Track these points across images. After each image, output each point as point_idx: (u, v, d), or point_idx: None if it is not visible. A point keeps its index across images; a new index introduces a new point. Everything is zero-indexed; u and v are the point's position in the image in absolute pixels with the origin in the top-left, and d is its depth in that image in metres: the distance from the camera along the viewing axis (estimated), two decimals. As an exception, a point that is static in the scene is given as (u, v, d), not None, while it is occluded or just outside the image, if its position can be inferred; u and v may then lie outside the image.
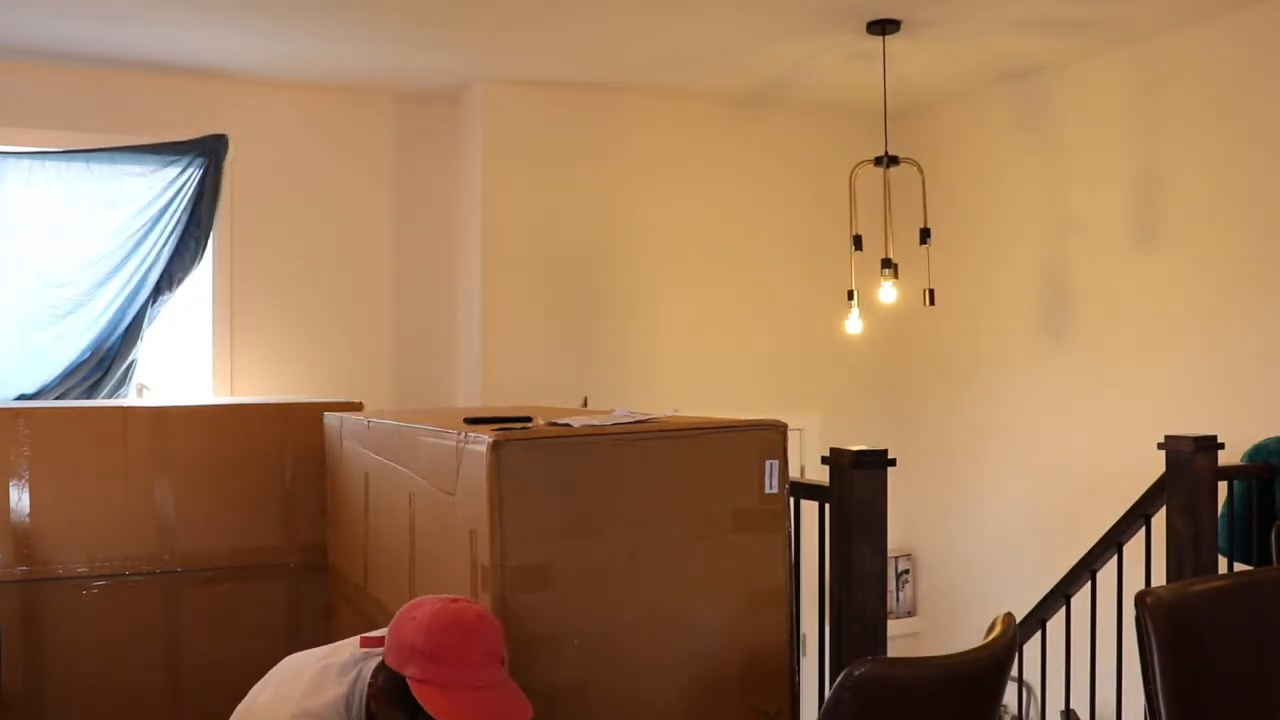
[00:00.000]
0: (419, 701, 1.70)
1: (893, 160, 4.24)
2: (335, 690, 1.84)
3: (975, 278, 5.07)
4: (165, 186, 4.52)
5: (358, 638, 1.98)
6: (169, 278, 4.52)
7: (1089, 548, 3.75)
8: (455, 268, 5.09)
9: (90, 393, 4.40)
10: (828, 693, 2.82)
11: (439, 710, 1.69)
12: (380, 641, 1.86)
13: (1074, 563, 3.82)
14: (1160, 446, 3.38)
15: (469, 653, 1.75)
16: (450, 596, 1.85)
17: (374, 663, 1.88)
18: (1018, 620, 4.02)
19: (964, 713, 1.84)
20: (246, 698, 1.97)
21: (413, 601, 1.84)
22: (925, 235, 4.26)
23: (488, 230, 4.82)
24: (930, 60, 4.49)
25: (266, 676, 2.01)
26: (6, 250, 4.36)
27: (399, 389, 5.02)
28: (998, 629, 1.91)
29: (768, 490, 2.38)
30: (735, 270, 5.23)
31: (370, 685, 1.84)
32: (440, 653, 1.72)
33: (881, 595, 2.77)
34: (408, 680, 1.71)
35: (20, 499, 3.30)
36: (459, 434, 2.26)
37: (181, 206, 4.53)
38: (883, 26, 4.00)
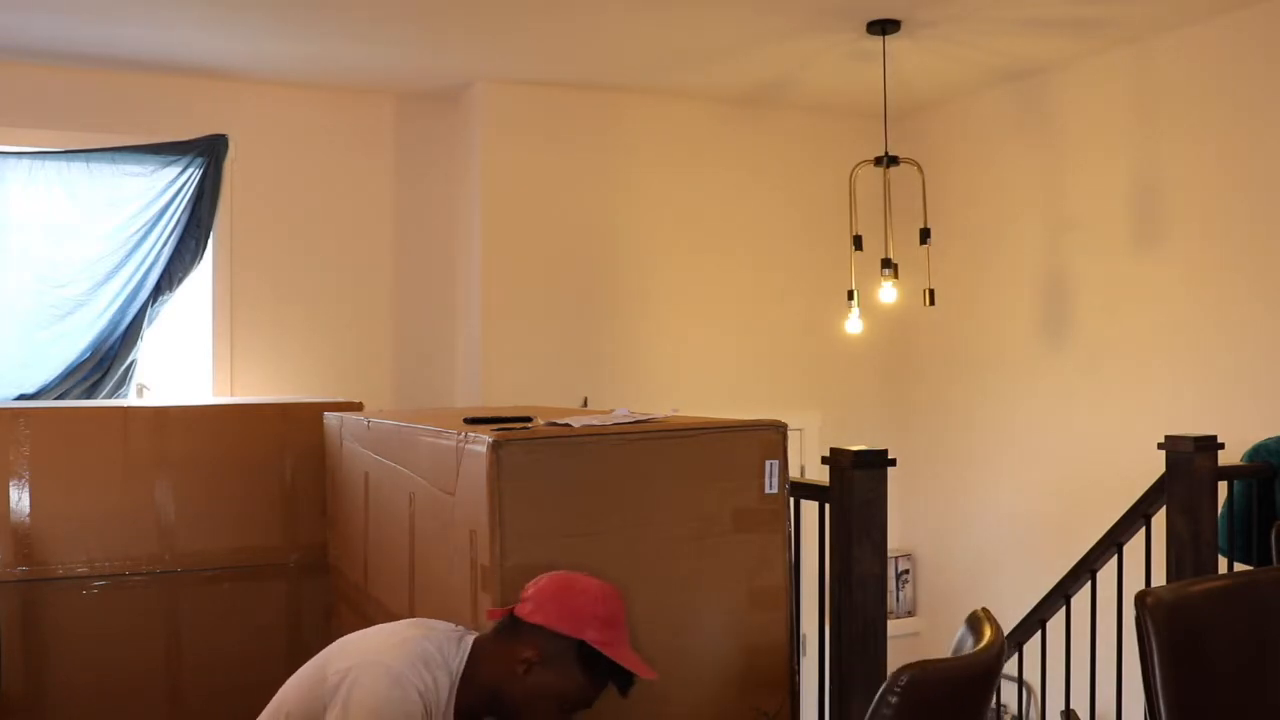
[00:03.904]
0: (610, 658, 1.90)
1: (893, 160, 4.24)
2: (444, 676, 1.92)
3: (975, 278, 5.07)
4: (165, 187, 4.52)
5: (416, 622, 2.06)
6: (169, 278, 4.52)
7: (1089, 548, 3.75)
8: (455, 267, 5.09)
9: (90, 393, 4.40)
10: (828, 693, 2.82)
11: (630, 661, 1.92)
12: (505, 612, 1.98)
13: (1074, 563, 3.82)
14: (1160, 446, 3.38)
15: (625, 619, 1.98)
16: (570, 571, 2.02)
17: (470, 641, 1.98)
18: (1018, 620, 4.05)
19: (976, 710, 1.84)
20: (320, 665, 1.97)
21: (556, 576, 1.99)
22: (925, 235, 4.26)
23: (488, 230, 4.82)
24: (930, 60, 4.49)
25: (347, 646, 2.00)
26: (6, 250, 4.36)
27: (399, 389, 5.02)
28: (989, 630, 1.90)
29: (768, 490, 2.38)
30: (735, 270, 5.23)
31: (523, 657, 1.91)
32: (615, 618, 1.95)
33: (881, 595, 2.77)
34: (589, 643, 1.90)
35: (20, 499, 3.30)
36: (459, 434, 2.26)
37: (181, 206, 4.53)
38: (883, 26, 4.00)
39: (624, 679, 1.95)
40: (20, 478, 3.31)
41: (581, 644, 1.90)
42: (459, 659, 1.95)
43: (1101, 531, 3.70)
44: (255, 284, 4.78)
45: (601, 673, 1.92)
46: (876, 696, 1.63)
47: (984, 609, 1.96)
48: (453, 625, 2.03)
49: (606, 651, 1.90)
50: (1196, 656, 2.06)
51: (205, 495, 3.49)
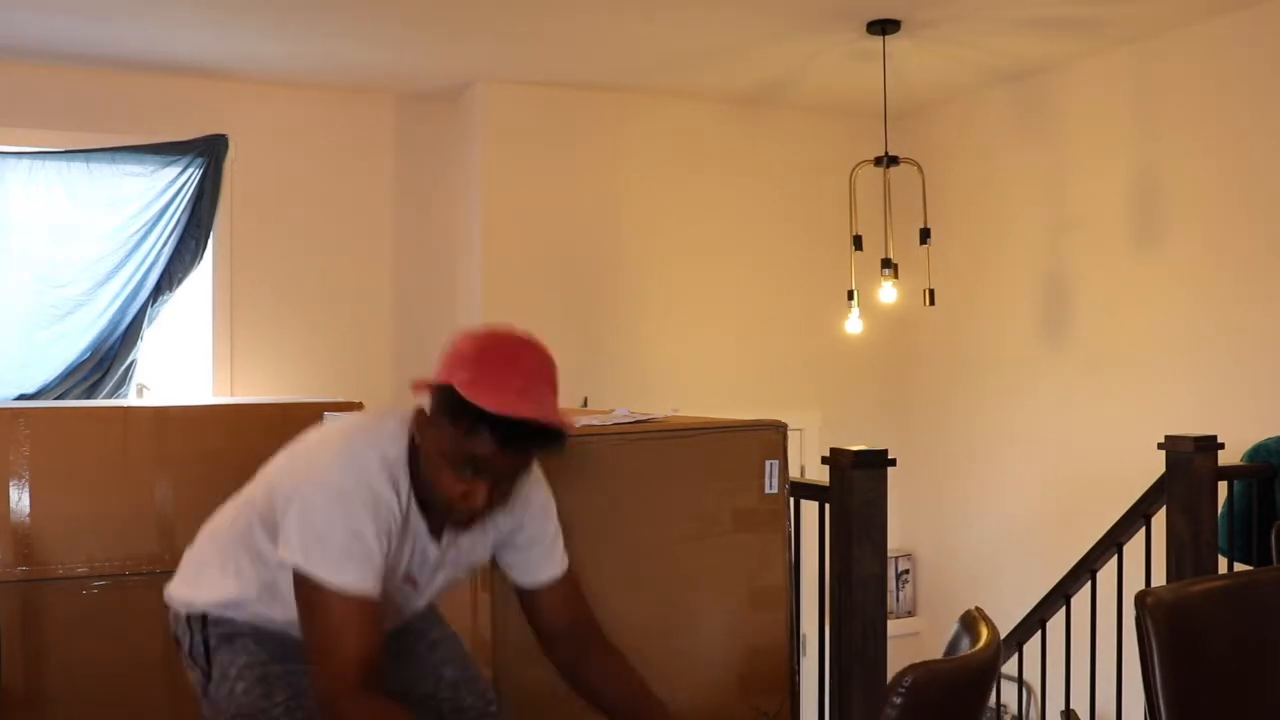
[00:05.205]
0: (467, 399, 1.68)
1: (893, 160, 4.24)
2: (396, 447, 1.82)
3: (975, 278, 5.07)
4: (165, 187, 4.52)
5: (361, 423, 1.95)
6: (169, 278, 4.52)
7: (1089, 548, 3.75)
8: (455, 268, 5.09)
9: (90, 393, 4.40)
10: (828, 693, 2.82)
11: (486, 401, 1.68)
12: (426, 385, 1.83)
13: (1074, 563, 3.82)
14: (1160, 446, 3.38)
15: (516, 361, 1.77)
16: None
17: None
18: (1018, 620, 4.05)
19: (976, 708, 1.85)
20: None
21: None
22: (925, 235, 4.26)
23: (488, 230, 4.82)
24: (930, 60, 4.49)
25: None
26: (7, 250, 4.36)
27: (399, 389, 5.01)
28: (985, 629, 1.90)
29: (768, 490, 2.38)
30: (735, 270, 5.23)
31: (417, 414, 1.81)
32: (487, 358, 1.74)
33: (881, 595, 2.77)
34: (455, 387, 1.70)
35: (20, 499, 3.30)
36: (459, 434, 2.25)
37: (181, 206, 4.53)
38: (883, 26, 4.00)
39: (502, 427, 1.69)
40: (20, 478, 3.31)
41: (450, 389, 1.70)
42: (404, 448, 1.83)
43: (1101, 531, 3.70)
44: (255, 284, 4.78)
45: (468, 416, 1.69)
46: (884, 700, 1.63)
47: (977, 608, 1.97)
48: (398, 414, 1.89)
49: (465, 392, 1.67)
50: (1196, 656, 2.06)
51: (205, 495, 3.45)
